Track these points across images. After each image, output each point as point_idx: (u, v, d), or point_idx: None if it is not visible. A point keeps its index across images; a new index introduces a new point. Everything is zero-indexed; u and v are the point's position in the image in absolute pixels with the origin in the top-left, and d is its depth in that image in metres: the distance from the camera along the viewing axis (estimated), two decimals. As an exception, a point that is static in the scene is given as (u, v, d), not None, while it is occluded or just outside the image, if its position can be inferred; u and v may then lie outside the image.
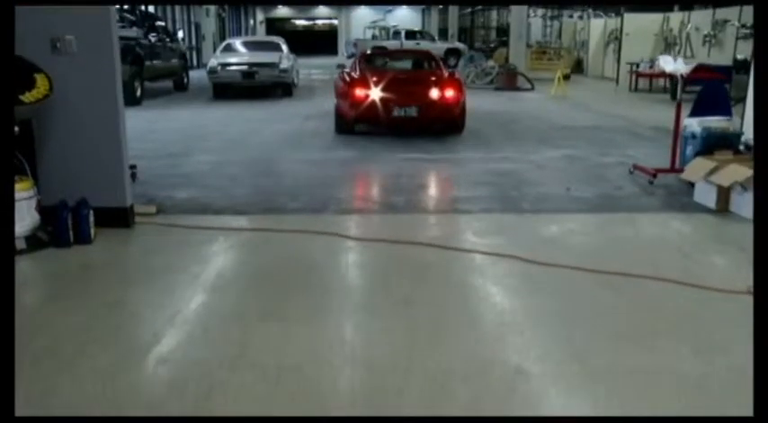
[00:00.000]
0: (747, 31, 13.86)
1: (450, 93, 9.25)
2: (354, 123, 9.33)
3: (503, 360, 3.02)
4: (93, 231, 4.61)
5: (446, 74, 10.14)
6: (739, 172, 5.23)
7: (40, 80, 4.39)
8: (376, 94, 9.01)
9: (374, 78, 9.29)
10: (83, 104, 4.77)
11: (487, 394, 2.74)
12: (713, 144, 6.04)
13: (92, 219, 4.60)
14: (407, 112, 9.01)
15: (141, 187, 5.96)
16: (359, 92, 9.10)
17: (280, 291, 3.86)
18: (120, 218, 4.90)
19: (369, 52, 12.67)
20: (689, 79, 6.68)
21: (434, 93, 9.21)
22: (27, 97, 4.24)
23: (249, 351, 3.10)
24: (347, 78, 9.70)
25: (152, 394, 2.78)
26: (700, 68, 7.22)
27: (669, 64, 6.41)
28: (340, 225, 5.08)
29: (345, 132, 9.41)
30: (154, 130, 9.98)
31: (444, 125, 9.45)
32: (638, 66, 16.24)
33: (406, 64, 12.08)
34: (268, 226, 5.05)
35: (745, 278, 3.66)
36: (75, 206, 4.56)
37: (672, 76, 6.97)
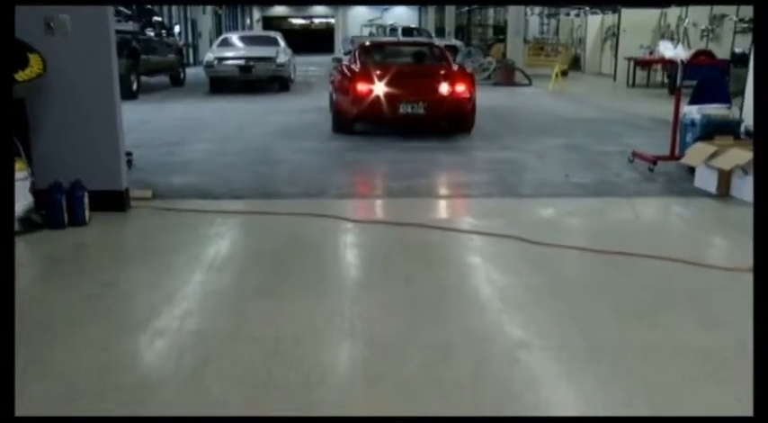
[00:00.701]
0: (746, 26, 13.85)
1: (461, 87, 8.48)
2: (355, 121, 8.63)
3: (505, 334, 2.99)
4: (87, 214, 4.56)
5: (455, 67, 9.43)
6: (740, 156, 5.20)
7: (34, 60, 4.34)
8: (380, 88, 8.19)
9: (378, 71, 8.50)
10: (78, 85, 4.70)
11: (489, 366, 2.70)
12: (713, 131, 5.99)
13: (86, 201, 4.55)
14: (414, 108, 8.21)
15: (137, 174, 5.90)
16: (361, 87, 8.28)
17: (279, 270, 3.81)
18: (115, 201, 4.84)
19: (368, 44, 11.14)
20: (689, 66, 6.64)
21: (444, 87, 8.42)
22: (20, 76, 4.19)
23: (247, 325, 3.05)
24: (347, 72, 8.89)
25: (147, 362, 2.75)
26: (700, 54, 7.18)
27: (669, 50, 6.37)
28: (339, 208, 5.03)
29: (345, 132, 8.68)
30: (150, 122, 9.91)
31: (453, 123, 8.76)
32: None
33: (411, 57, 10.63)
34: (266, 209, 5.00)
35: (746, 258, 3.61)
36: (69, 188, 4.50)
37: (672, 63, 6.91)
